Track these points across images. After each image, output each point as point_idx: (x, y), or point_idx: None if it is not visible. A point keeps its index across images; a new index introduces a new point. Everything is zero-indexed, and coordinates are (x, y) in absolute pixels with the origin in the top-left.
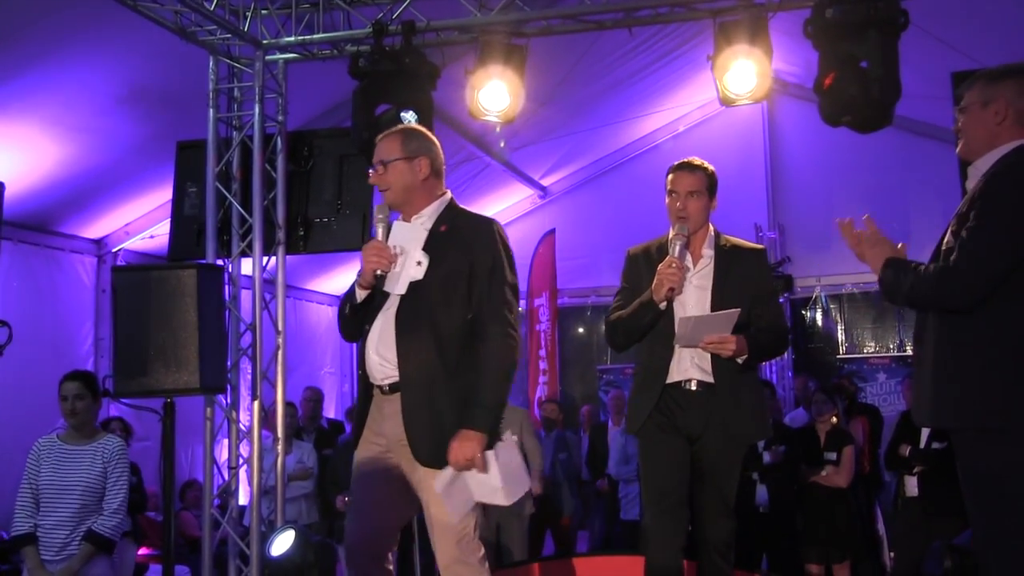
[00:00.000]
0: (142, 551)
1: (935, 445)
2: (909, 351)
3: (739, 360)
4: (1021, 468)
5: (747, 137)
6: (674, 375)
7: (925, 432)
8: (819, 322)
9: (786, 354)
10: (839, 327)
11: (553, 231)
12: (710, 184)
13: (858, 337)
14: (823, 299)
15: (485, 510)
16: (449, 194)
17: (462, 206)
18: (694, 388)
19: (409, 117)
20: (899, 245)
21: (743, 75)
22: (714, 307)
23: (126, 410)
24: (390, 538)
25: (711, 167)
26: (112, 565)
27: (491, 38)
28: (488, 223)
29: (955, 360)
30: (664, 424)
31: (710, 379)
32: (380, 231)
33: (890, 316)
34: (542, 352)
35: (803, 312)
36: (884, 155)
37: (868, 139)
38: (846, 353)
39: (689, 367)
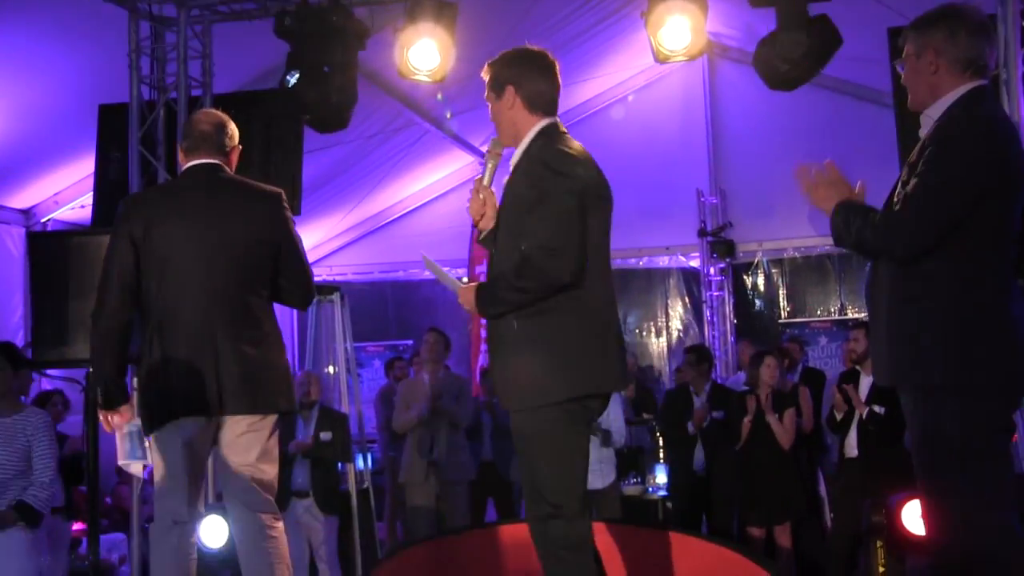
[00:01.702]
0: (77, 526)
1: (876, 408)
2: (850, 315)
3: (473, 311)
4: (970, 425)
5: (688, 102)
6: None
7: (864, 388)
8: (761, 287)
9: (727, 319)
10: (781, 292)
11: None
12: (496, 81)
13: (800, 301)
14: (765, 264)
15: (427, 477)
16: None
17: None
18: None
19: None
20: (856, 186)
21: (677, 31)
22: (498, 237)
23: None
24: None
25: (493, 58)
26: (35, 540)
27: None
28: None
29: (907, 318)
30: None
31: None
32: None
33: (831, 280)
34: (483, 320)
35: (745, 277)
36: (824, 119)
37: (808, 103)
38: (788, 317)
39: None
